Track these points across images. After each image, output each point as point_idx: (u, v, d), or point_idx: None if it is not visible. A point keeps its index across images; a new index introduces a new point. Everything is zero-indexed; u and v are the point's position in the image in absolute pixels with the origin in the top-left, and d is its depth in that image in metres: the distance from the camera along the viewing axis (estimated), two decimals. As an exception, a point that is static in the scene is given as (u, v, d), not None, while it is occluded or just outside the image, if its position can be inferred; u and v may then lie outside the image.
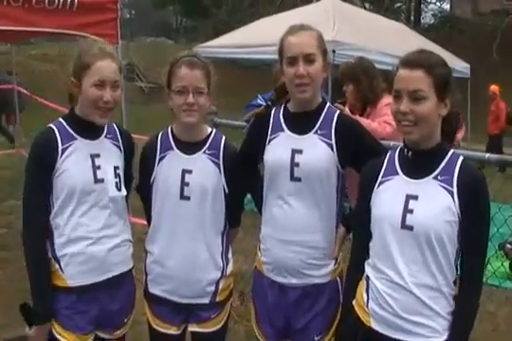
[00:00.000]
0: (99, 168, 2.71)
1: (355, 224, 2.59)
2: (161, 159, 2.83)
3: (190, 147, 2.82)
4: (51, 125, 2.72)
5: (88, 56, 2.63)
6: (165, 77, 2.76)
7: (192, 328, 2.89)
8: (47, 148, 2.64)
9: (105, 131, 2.80)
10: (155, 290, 2.88)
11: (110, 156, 2.78)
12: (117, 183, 2.78)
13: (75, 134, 2.70)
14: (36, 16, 5.04)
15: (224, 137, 2.90)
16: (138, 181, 2.95)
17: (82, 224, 2.68)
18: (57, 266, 2.69)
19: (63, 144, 2.66)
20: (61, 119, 2.75)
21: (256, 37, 10.41)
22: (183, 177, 2.77)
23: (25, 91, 10.01)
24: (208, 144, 2.83)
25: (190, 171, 2.77)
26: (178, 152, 2.82)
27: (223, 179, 2.81)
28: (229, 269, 2.91)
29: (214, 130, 2.93)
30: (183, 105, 2.68)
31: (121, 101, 6.07)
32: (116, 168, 2.78)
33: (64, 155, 2.65)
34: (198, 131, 2.85)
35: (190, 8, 32.82)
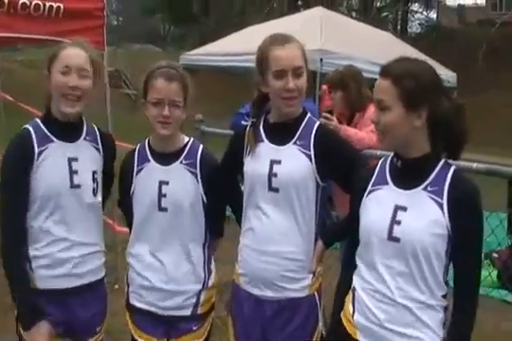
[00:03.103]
0: (76, 172, 2.67)
1: (336, 237, 2.55)
2: (139, 172, 2.81)
3: (166, 158, 2.79)
4: (28, 126, 2.68)
5: (58, 47, 2.64)
6: (142, 86, 2.74)
7: None
8: (23, 151, 2.60)
9: (84, 132, 2.76)
10: (135, 302, 2.85)
11: (88, 160, 2.74)
12: (94, 188, 2.74)
13: (51, 136, 2.66)
14: (21, 22, 4.99)
15: (201, 146, 2.87)
16: (119, 195, 2.92)
17: (56, 230, 2.65)
18: (27, 266, 2.66)
19: (39, 147, 2.62)
20: (37, 120, 2.70)
21: (243, 45, 10.39)
22: (160, 189, 2.74)
23: (9, 97, 9.93)
24: (184, 154, 2.80)
25: (166, 183, 2.75)
26: (155, 163, 2.80)
27: (201, 189, 2.78)
28: (211, 281, 2.88)
29: (192, 139, 2.91)
30: (158, 117, 2.66)
31: (107, 108, 6.05)
32: (94, 172, 2.74)
33: (40, 159, 2.61)
34: (174, 141, 2.82)
35: (178, 16, 32.85)
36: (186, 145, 2.84)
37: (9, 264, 2.61)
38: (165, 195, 2.74)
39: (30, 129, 2.66)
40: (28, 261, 2.66)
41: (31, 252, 2.66)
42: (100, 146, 2.81)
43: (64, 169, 2.65)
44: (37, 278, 2.66)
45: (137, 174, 2.81)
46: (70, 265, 2.69)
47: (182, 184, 2.76)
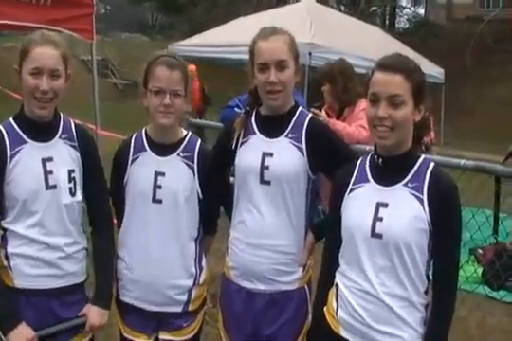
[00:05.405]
0: (51, 173, 2.58)
1: (327, 230, 2.55)
2: (134, 160, 2.77)
3: (163, 149, 2.75)
4: (0, 127, 2.59)
5: (28, 42, 2.53)
6: (142, 75, 2.69)
7: (164, 336, 2.82)
8: None
9: (60, 130, 2.66)
10: (124, 297, 2.82)
11: (64, 159, 2.64)
12: (71, 188, 2.64)
13: (25, 137, 2.58)
14: (9, 9, 4.95)
15: (199, 140, 2.84)
16: (110, 183, 2.87)
17: (33, 233, 2.57)
18: (6, 263, 2.60)
19: (11, 149, 2.54)
20: (11, 120, 2.62)
21: (232, 37, 10.39)
22: (156, 180, 2.70)
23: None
24: (182, 146, 2.77)
25: (163, 174, 2.71)
26: (151, 153, 2.75)
27: (197, 183, 2.75)
28: (203, 277, 2.85)
29: (190, 132, 2.87)
30: (159, 106, 2.62)
31: (95, 97, 6.01)
32: (70, 171, 2.64)
33: (12, 162, 2.54)
34: (173, 133, 2.78)
35: (166, 5, 32.60)
36: (184, 138, 2.80)
37: None
38: (160, 187, 2.69)
39: (3, 131, 2.58)
40: (7, 259, 2.60)
41: (9, 249, 2.59)
42: (76, 143, 2.69)
43: (38, 170, 2.57)
44: (15, 277, 2.59)
45: (131, 163, 2.76)
46: (47, 266, 2.61)
47: (178, 176, 2.72)
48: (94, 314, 2.68)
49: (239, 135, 2.76)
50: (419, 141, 2.34)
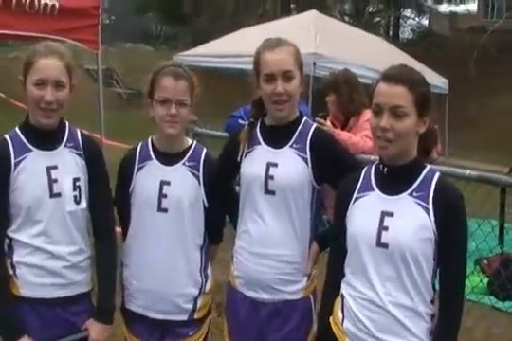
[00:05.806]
0: (55, 181, 2.59)
1: (332, 240, 2.54)
2: (139, 169, 2.77)
3: (169, 158, 2.76)
4: (6, 136, 2.61)
5: (33, 53, 2.54)
6: (147, 85, 2.70)
7: None
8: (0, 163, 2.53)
9: (65, 139, 2.67)
10: (131, 305, 2.82)
11: (69, 167, 2.65)
12: (75, 196, 2.65)
13: (30, 146, 2.59)
14: (16, 19, 4.97)
15: (205, 149, 2.85)
16: (115, 192, 2.87)
17: (38, 241, 2.58)
18: (11, 272, 2.59)
19: (16, 157, 2.55)
20: (17, 129, 2.64)
21: (236, 47, 10.40)
22: (161, 189, 2.71)
23: (1, 94, 9.90)
24: (188, 155, 2.77)
25: (168, 183, 2.71)
26: (157, 162, 2.76)
27: (202, 192, 2.76)
28: (208, 286, 2.85)
29: (195, 142, 2.88)
30: (166, 116, 2.63)
31: (100, 107, 6.02)
32: (75, 179, 2.65)
33: (17, 170, 2.54)
34: (179, 142, 2.79)
35: (169, 16, 32.83)
36: (190, 147, 2.81)
37: None
38: (166, 196, 2.70)
39: (8, 139, 2.60)
40: (13, 268, 2.60)
41: (15, 258, 2.60)
42: (82, 152, 2.70)
43: (42, 178, 2.58)
44: (21, 286, 2.60)
45: (137, 172, 2.77)
46: (51, 275, 2.61)
47: (184, 185, 2.73)
48: (95, 330, 2.69)
49: (244, 146, 2.77)
50: (425, 152, 2.34)
